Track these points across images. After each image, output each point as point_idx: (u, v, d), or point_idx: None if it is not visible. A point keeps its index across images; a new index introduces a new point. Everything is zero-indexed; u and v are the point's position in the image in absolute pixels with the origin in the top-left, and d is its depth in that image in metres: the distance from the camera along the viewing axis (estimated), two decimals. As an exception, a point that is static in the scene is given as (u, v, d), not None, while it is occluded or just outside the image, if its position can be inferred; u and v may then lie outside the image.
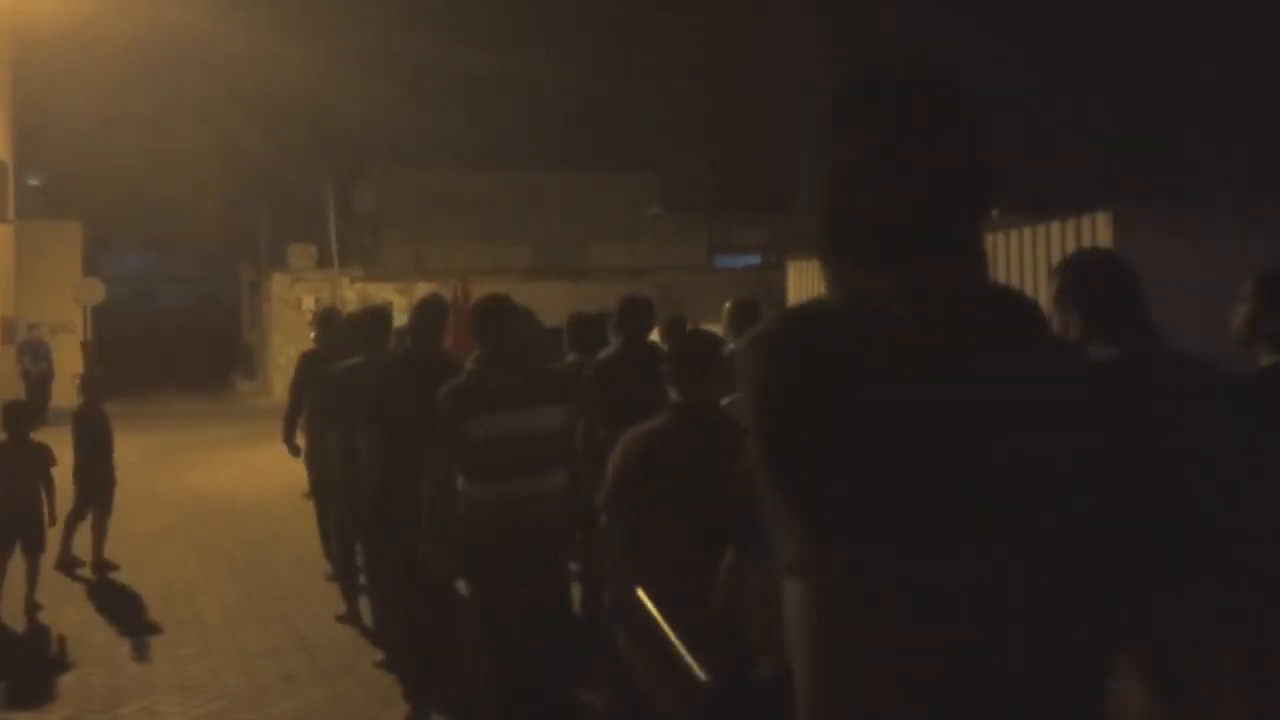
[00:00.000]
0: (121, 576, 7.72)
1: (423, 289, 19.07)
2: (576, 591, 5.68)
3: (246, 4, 28.77)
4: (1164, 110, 32.76)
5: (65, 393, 14.84)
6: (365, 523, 5.62)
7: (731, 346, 4.42)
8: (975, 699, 1.08)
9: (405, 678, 5.30)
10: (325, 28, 42.61)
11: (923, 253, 1.21)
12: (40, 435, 7.24)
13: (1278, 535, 2.32)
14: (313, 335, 8.00)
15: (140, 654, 5.98)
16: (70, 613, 6.88)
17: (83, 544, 7.83)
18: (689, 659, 1.80)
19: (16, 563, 6.77)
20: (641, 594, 1.90)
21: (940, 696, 1.07)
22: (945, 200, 1.23)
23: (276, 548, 8.68)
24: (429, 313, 5.39)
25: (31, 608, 6.75)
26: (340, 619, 6.37)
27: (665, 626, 1.85)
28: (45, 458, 7.02)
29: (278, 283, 24.99)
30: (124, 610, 6.91)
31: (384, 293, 21.79)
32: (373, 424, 5.28)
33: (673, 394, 3.39)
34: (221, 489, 11.84)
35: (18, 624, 6.60)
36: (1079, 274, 2.68)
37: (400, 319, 7.02)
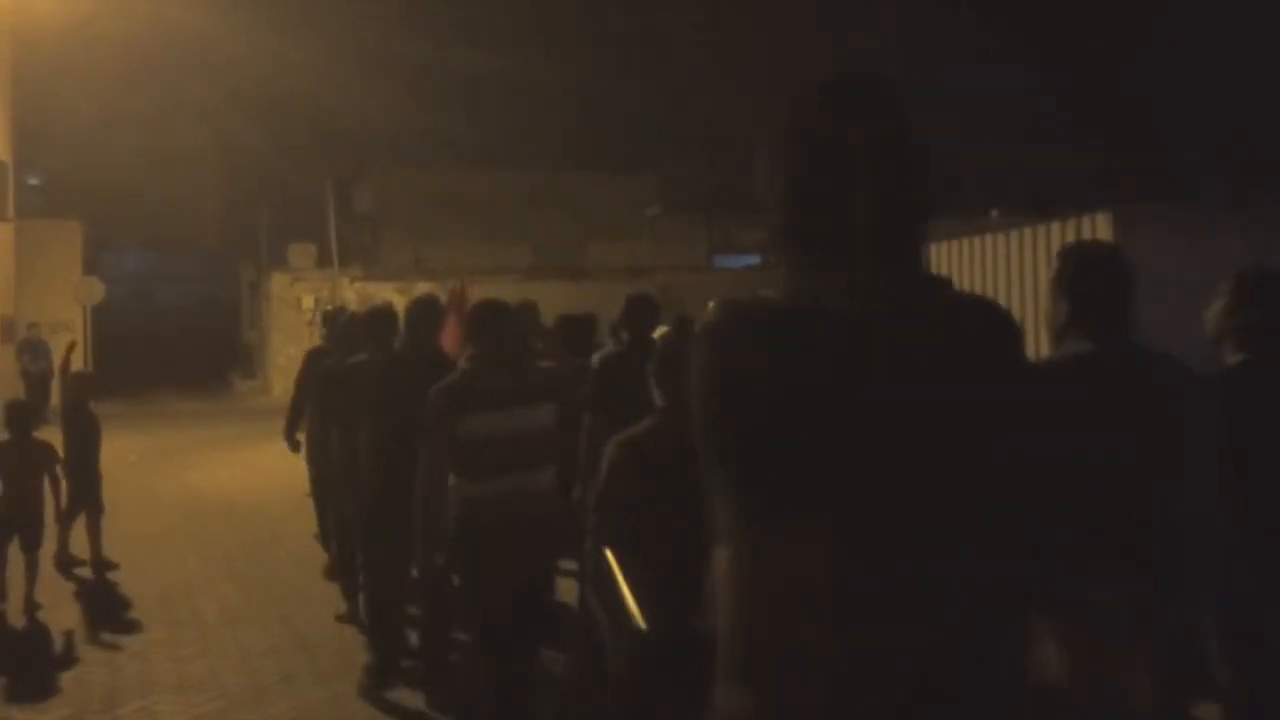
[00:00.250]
0: (121, 576, 7.72)
1: (423, 289, 19.05)
2: (574, 590, 5.69)
3: (246, 4, 28.79)
4: (1164, 110, 32.76)
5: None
6: (364, 521, 5.62)
7: None
8: (867, 649, 1.22)
9: (387, 676, 5.30)
10: (325, 28, 42.60)
11: (858, 260, 1.33)
12: (40, 434, 7.25)
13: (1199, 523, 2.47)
14: (321, 333, 8.03)
15: (139, 653, 5.97)
16: (70, 612, 6.89)
17: (80, 543, 7.82)
18: (633, 611, 1.98)
19: (16, 563, 6.76)
20: (608, 553, 2.07)
21: (835, 639, 1.21)
22: (880, 214, 1.33)
23: (276, 548, 8.68)
24: (422, 313, 5.50)
25: (31, 606, 6.74)
26: (340, 619, 6.37)
27: (621, 582, 2.06)
28: (49, 455, 7.03)
29: (277, 282, 24.98)
30: (124, 609, 6.91)
31: (384, 292, 21.75)
32: (373, 421, 5.30)
33: (656, 396, 3.40)
34: (221, 489, 11.84)
35: (17, 622, 6.60)
36: (1077, 267, 2.74)
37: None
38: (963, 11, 36.19)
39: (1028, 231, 10.93)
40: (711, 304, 1.58)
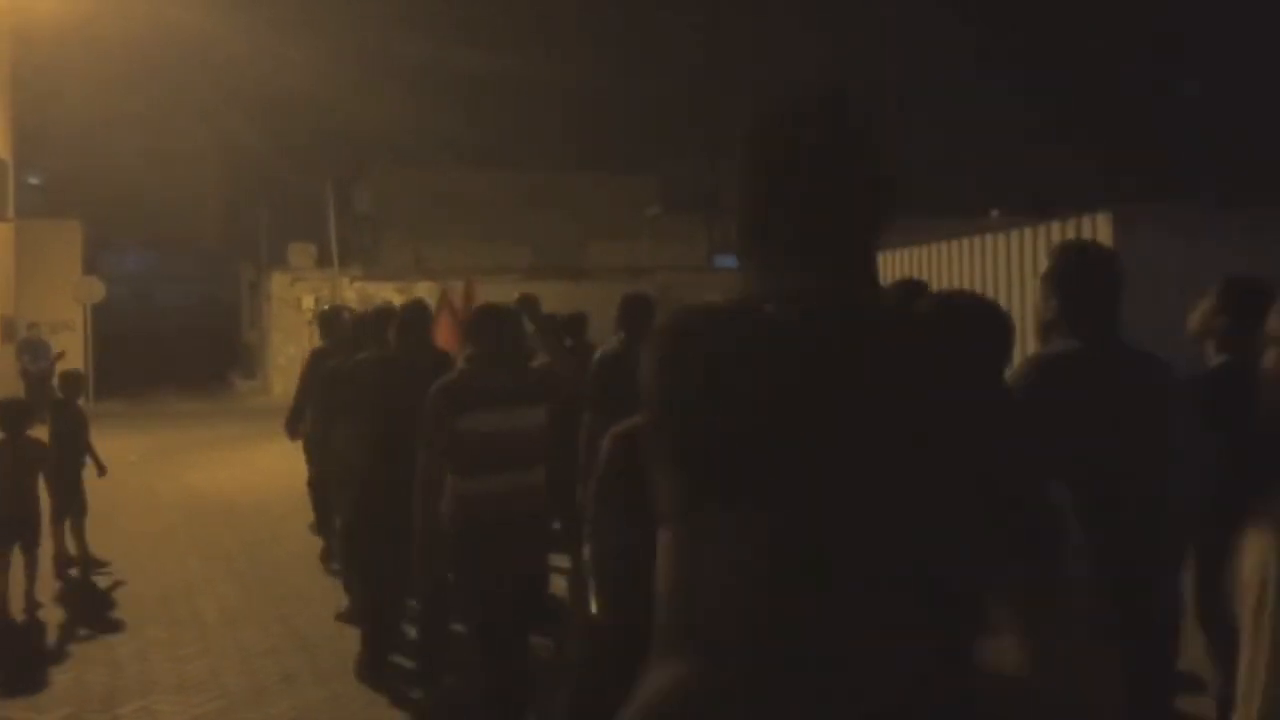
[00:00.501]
0: (121, 576, 7.72)
1: (423, 289, 19.07)
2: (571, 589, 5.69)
3: (246, 4, 28.79)
4: (1164, 110, 32.76)
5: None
6: (364, 518, 5.63)
7: None
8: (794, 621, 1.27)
9: (372, 669, 5.31)
10: (325, 28, 42.63)
11: (806, 264, 1.39)
12: (38, 432, 7.24)
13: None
14: (319, 333, 8.09)
15: (139, 653, 5.97)
16: (69, 611, 6.89)
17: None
18: (591, 596, 2.12)
19: (15, 563, 6.76)
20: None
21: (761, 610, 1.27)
22: (828, 220, 1.39)
23: (276, 548, 8.68)
24: (415, 317, 5.75)
25: (30, 606, 6.75)
26: (340, 618, 6.37)
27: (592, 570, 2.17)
28: (43, 453, 7.02)
29: (277, 282, 24.98)
30: (123, 609, 6.90)
31: (384, 292, 21.76)
32: (373, 419, 5.34)
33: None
34: (221, 489, 11.84)
35: (17, 622, 6.60)
36: (1070, 265, 2.79)
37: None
38: (963, 11, 36.19)
39: (1028, 231, 10.93)
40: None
